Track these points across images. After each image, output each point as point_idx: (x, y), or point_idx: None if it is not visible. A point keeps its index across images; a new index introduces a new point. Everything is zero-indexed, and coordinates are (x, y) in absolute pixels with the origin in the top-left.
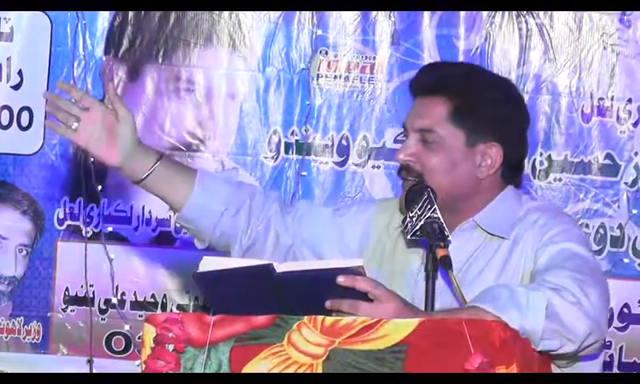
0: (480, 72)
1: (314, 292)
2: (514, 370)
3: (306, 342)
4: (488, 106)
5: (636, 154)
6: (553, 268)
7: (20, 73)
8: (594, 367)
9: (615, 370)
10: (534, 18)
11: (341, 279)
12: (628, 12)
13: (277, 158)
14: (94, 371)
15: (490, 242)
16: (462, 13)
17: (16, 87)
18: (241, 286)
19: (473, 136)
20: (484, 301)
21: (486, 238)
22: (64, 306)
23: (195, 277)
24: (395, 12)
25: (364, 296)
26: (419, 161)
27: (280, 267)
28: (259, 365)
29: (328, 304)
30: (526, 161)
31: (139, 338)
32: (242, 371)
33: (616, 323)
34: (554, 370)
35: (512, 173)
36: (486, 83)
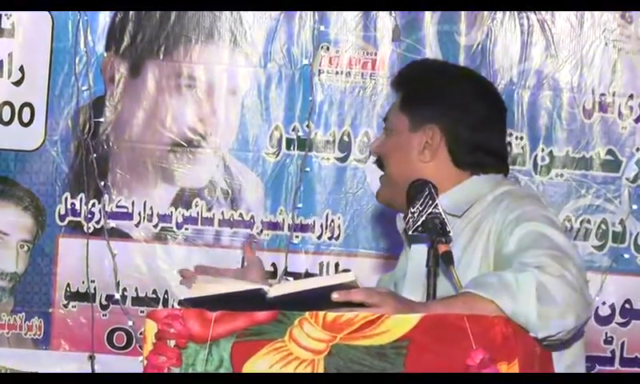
0: (439, 64)
1: (307, 310)
2: (515, 365)
3: (307, 338)
4: (431, 93)
5: (637, 149)
6: (526, 249)
7: (21, 69)
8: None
9: (617, 366)
10: (535, 14)
11: (335, 295)
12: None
13: (278, 154)
14: (96, 367)
15: (453, 224)
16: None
17: (17, 83)
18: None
19: (415, 121)
20: (475, 288)
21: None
22: (65, 302)
23: (187, 301)
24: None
25: (360, 307)
26: (381, 150)
27: (272, 291)
28: (261, 361)
29: None
30: (527, 156)
31: (141, 333)
32: (244, 367)
33: (618, 319)
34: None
35: (471, 160)
36: (436, 72)
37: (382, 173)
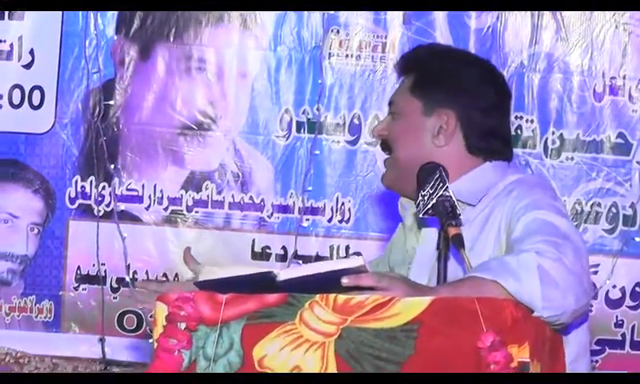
0: (445, 48)
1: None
2: (526, 348)
3: (318, 320)
4: (442, 75)
5: None
6: (528, 236)
7: (31, 52)
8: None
9: (627, 349)
10: None
11: (345, 280)
12: None
13: (288, 137)
14: (106, 349)
15: (463, 213)
16: None
17: (27, 66)
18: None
19: (429, 105)
20: (478, 271)
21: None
22: (76, 285)
23: (197, 285)
24: None
25: (370, 291)
26: (389, 134)
27: (281, 275)
28: (271, 343)
29: None
30: (537, 139)
31: (151, 316)
32: (254, 349)
33: (628, 302)
34: None
35: (483, 146)
36: (446, 56)
37: (388, 156)
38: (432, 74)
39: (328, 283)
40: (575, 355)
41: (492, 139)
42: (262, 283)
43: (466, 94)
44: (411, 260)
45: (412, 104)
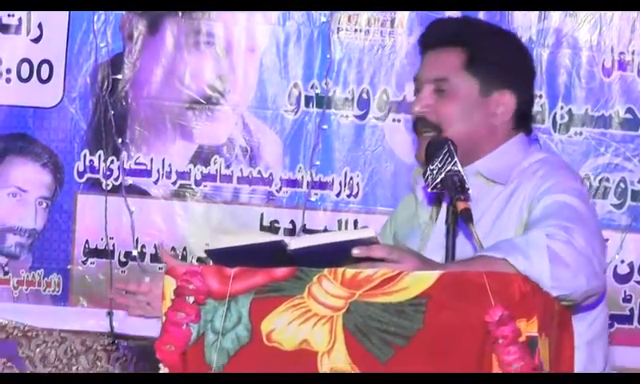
0: (487, 23)
1: (327, 265)
2: (534, 323)
3: (326, 295)
4: (500, 55)
5: None
6: (542, 219)
7: (40, 26)
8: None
9: (635, 324)
10: None
11: (356, 251)
12: None
13: (297, 111)
14: (114, 324)
15: (490, 189)
16: None
17: (36, 40)
18: (253, 263)
19: (486, 84)
20: (488, 251)
21: (486, 185)
22: (84, 259)
23: (208, 253)
24: None
25: (380, 263)
26: (435, 111)
27: (292, 243)
28: (279, 317)
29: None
30: (546, 114)
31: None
32: (262, 323)
33: (636, 277)
34: None
35: (521, 121)
36: (495, 33)
37: (428, 133)
38: (488, 52)
39: (338, 253)
40: (592, 336)
41: (527, 114)
42: (273, 252)
43: (522, 75)
44: (425, 236)
45: (468, 83)
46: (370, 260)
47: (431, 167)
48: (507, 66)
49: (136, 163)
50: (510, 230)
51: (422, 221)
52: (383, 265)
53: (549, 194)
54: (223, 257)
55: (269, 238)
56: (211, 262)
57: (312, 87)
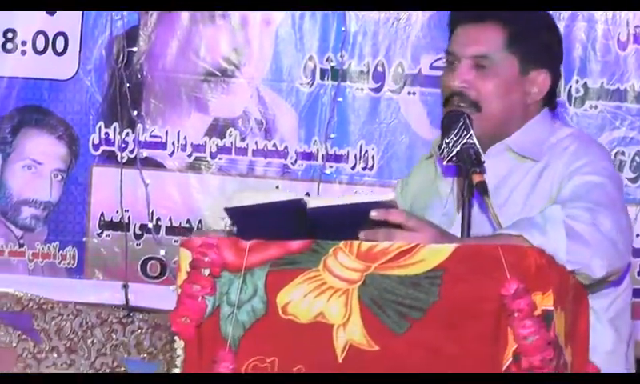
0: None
1: (346, 226)
2: (550, 296)
3: (341, 267)
4: (537, 34)
5: None
6: (570, 200)
7: None
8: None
9: None
10: None
11: (373, 213)
12: None
13: (312, 84)
14: (129, 296)
15: (522, 165)
16: None
17: (51, 13)
18: (273, 221)
19: (525, 63)
20: (506, 229)
21: (517, 161)
22: (99, 231)
23: (227, 211)
24: None
25: (397, 228)
26: (474, 88)
27: (311, 202)
28: (295, 290)
29: (362, 235)
30: (561, 88)
31: (174, 262)
32: (278, 296)
33: None
34: None
35: (549, 98)
36: (532, 11)
37: (457, 106)
38: (527, 30)
39: (356, 216)
40: (615, 313)
41: (556, 91)
42: (292, 211)
43: (556, 55)
44: (448, 210)
45: (508, 61)
46: (386, 225)
47: (447, 140)
48: (544, 46)
49: (151, 136)
50: (540, 206)
51: (442, 191)
52: (400, 234)
53: (579, 173)
54: (242, 215)
55: (289, 196)
56: (229, 222)
57: (327, 60)
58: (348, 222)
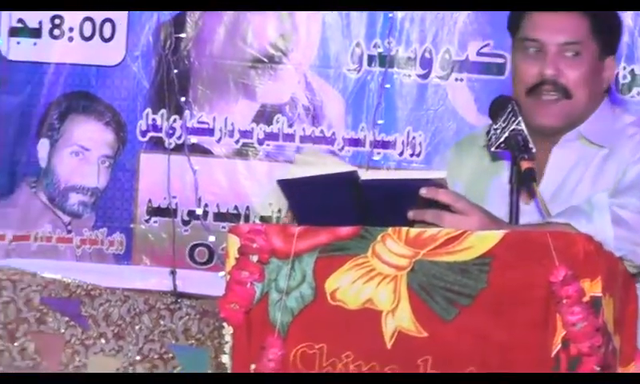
0: None
1: (396, 201)
2: (598, 283)
3: (390, 254)
4: (610, 21)
5: None
6: (629, 189)
7: None
8: None
9: None
10: None
11: (423, 191)
12: None
13: (359, 70)
14: (177, 282)
15: (589, 151)
16: None
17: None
18: (324, 193)
19: (602, 50)
20: (553, 217)
21: (587, 148)
22: (147, 218)
23: (280, 183)
24: None
25: (446, 209)
26: (564, 75)
27: (365, 175)
28: (343, 276)
29: (411, 214)
30: None
31: (222, 249)
32: (327, 282)
33: None
34: None
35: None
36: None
37: (551, 96)
38: (605, 17)
39: (407, 192)
40: None
41: None
42: (344, 182)
43: (619, 41)
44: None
45: (591, 48)
46: (435, 204)
47: (495, 126)
48: (613, 31)
49: (199, 122)
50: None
51: (501, 179)
52: (448, 216)
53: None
54: (294, 187)
55: (342, 168)
56: (282, 193)
57: (374, 46)
58: (398, 197)
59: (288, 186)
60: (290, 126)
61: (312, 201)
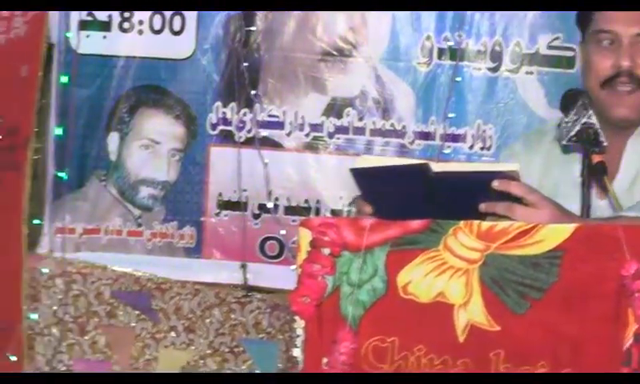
0: None
1: (467, 193)
2: None
3: (461, 247)
4: None
5: None
6: None
7: None
8: None
9: None
10: None
11: (495, 183)
12: None
13: (430, 63)
14: (248, 276)
15: None
16: None
17: None
18: (396, 183)
19: None
20: (625, 212)
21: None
22: (217, 211)
23: (353, 172)
24: None
25: (518, 201)
26: (639, 66)
27: (436, 167)
28: (415, 269)
29: (482, 207)
30: None
31: (293, 242)
32: (398, 276)
33: None
34: None
35: None
36: None
37: (626, 88)
38: None
39: (479, 183)
40: None
41: None
42: (416, 173)
43: None
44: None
45: None
46: (508, 196)
47: (566, 119)
48: None
49: (269, 115)
50: None
51: (573, 173)
52: (520, 209)
53: None
54: (366, 176)
55: (414, 160)
56: (355, 182)
57: (445, 39)
58: (469, 189)
59: (360, 175)
60: (361, 119)
61: (383, 190)
